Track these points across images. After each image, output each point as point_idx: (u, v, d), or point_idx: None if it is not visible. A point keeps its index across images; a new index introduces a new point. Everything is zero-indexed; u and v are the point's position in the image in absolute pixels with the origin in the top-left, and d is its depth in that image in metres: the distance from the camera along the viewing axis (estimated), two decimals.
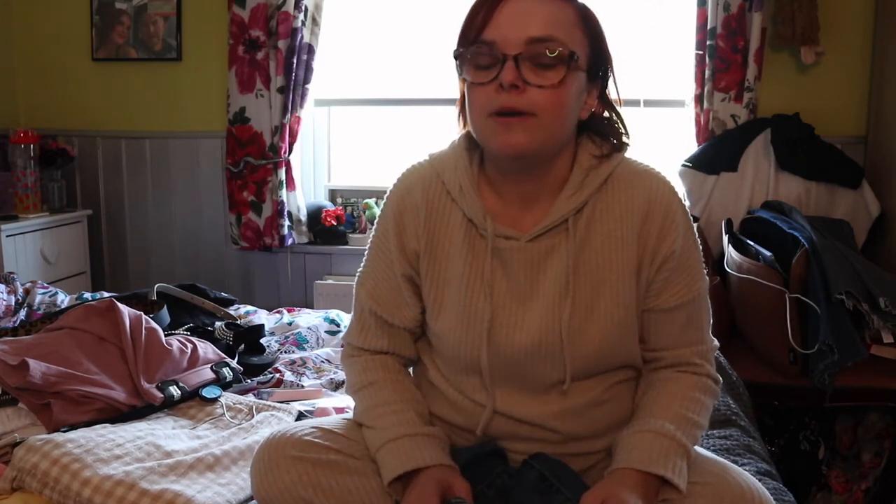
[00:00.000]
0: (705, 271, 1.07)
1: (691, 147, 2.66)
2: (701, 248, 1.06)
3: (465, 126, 1.07)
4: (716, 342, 1.10)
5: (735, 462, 1.23)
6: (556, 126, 0.96)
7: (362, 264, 1.14)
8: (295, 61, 2.83)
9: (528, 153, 0.96)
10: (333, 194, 3.14)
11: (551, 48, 0.93)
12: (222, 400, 1.51)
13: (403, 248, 1.07)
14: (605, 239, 1.01)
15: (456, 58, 0.99)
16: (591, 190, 1.01)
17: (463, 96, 1.03)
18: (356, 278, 1.14)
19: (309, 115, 3.03)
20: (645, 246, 1.01)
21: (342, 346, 1.19)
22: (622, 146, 1.04)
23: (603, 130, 1.04)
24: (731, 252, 2.20)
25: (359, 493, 1.00)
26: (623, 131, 1.05)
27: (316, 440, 1.02)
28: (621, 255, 1.01)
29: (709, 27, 2.57)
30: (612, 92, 1.05)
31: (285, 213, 2.95)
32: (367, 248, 1.14)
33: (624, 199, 1.01)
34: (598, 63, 1.00)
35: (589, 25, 0.99)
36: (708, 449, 1.21)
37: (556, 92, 0.94)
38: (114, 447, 1.20)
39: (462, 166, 1.05)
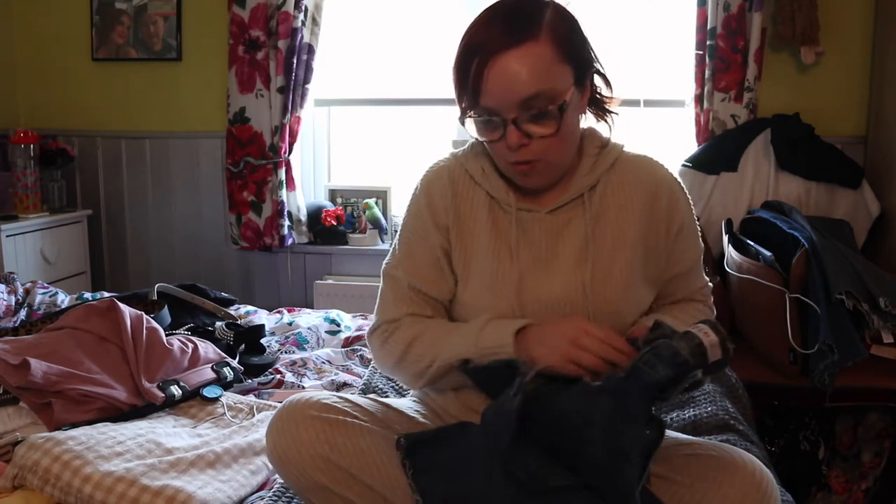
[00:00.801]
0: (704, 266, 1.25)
1: (691, 147, 2.66)
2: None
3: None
4: (710, 283, 1.29)
5: None
6: (566, 156, 1.11)
7: (389, 257, 1.21)
8: (295, 61, 2.83)
9: (548, 186, 1.13)
10: (333, 194, 3.14)
11: (541, 106, 1.01)
12: (223, 399, 1.51)
13: (437, 222, 1.15)
14: (617, 212, 1.14)
15: (463, 114, 1.08)
16: (603, 169, 1.14)
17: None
18: (384, 269, 1.21)
19: (309, 115, 3.03)
20: (658, 221, 1.15)
21: (369, 335, 1.21)
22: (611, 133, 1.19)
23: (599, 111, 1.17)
24: (731, 252, 2.20)
25: (371, 453, 1.02)
26: (610, 116, 1.17)
27: (335, 404, 1.06)
28: (633, 227, 1.13)
29: (709, 27, 2.57)
30: (601, 87, 1.14)
31: (285, 213, 2.95)
32: (394, 242, 1.22)
33: (632, 178, 1.15)
34: (584, 71, 1.07)
35: (565, 45, 1.03)
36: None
37: (557, 137, 1.04)
38: (115, 444, 1.20)
39: (483, 152, 1.16)
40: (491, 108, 1.02)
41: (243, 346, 1.85)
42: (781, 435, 2.15)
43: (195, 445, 1.27)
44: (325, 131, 3.19)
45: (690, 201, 1.21)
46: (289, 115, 2.88)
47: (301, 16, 2.81)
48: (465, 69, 1.03)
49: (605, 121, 1.18)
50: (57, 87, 3.23)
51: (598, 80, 1.12)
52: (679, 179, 1.20)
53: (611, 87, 1.14)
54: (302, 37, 2.83)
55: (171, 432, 1.31)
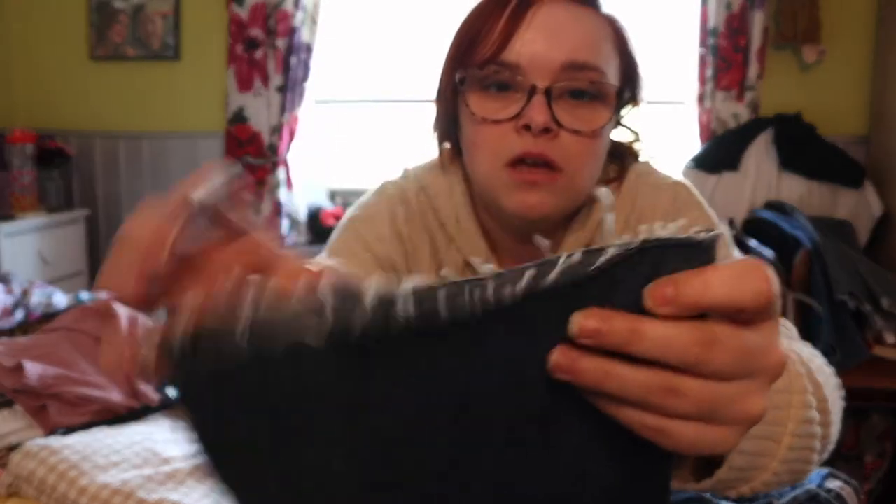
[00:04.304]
0: None
1: (693, 146, 2.65)
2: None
3: (449, 154, 0.84)
4: None
5: None
6: (586, 184, 0.75)
7: None
8: (294, 60, 2.82)
9: (550, 217, 0.74)
10: (333, 194, 3.13)
11: (595, 81, 0.71)
12: None
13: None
14: None
15: (460, 82, 0.73)
16: (597, 220, 0.80)
17: (445, 114, 0.82)
18: None
19: (308, 115, 3.02)
20: None
21: None
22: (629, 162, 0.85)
23: (615, 152, 0.83)
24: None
25: None
26: (637, 148, 0.86)
27: None
28: None
29: (710, 26, 2.56)
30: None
31: (284, 212, 2.94)
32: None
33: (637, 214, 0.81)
34: (627, 87, 0.80)
35: (621, 41, 0.78)
36: None
37: (593, 141, 0.72)
38: (111, 453, 1.19)
39: (459, 193, 0.81)
40: (518, 64, 0.70)
41: None
42: None
43: (193, 454, 1.25)
44: (324, 131, 3.18)
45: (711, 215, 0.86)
46: (287, 114, 2.86)
47: (300, 14, 2.80)
48: (495, 8, 0.72)
49: (622, 151, 0.85)
50: (54, 86, 3.22)
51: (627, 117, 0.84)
52: (689, 186, 0.86)
53: (637, 137, 0.85)
54: (301, 36, 2.82)
55: (167, 438, 1.30)
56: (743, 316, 0.31)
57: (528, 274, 0.31)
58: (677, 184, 0.84)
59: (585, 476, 0.35)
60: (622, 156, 0.84)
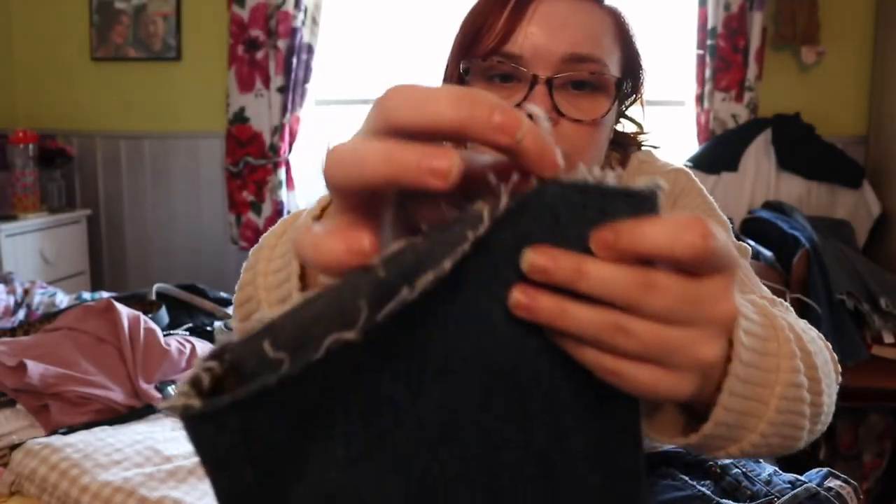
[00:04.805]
0: None
1: (692, 147, 2.65)
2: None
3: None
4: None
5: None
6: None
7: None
8: (294, 61, 2.82)
9: None
10: None
11: (595, 72, 0.73)
12: None
13: None
14: None
15: (465, 73, 0.76)
16: None
17: None
18: None
19: (309, 115, 3.03)
20: None
21: None
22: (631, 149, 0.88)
23: (618, 141, 0.86)
24: None
25: None
26: (640, 133, 0.89)
27: None
28: None
29: (709, 27, 2.57)
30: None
31: (285, 213, 2.95)
32: None
33: None
34: (627, 80, 0.83)
35: (623, 34, 0.79)
36: None
37: (593, 130, 0.74)
38: (112, 452, 1.19)
39: None
40: (520, 56, 0.72)
41: None
42: None
43: (194, 452, 1.26)
44: (325, 132, 3.18)
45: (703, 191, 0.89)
46: (288, 114, 2.87)
47: (301, 15, 2.81)
48: (499, 1, 0.74)
49: (623, 140, 0.88)
50: (56, 87, 3.22)
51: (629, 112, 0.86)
52: (689, 172, 0.89)
53: (639, 129, 0.88)
54: (301, 36, 2.83)
55: (169, 437, 1.30)
56: (683, 266, 0.33)
57: (482, 213, 0.32)
58: (678, 170, 0.86)
59: (563, 436, 0.36)
60: (625, 145, 0.86)
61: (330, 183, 0.33)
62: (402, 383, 0.33)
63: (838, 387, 0.60)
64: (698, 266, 0.33)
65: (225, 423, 0.29)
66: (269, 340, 0.29)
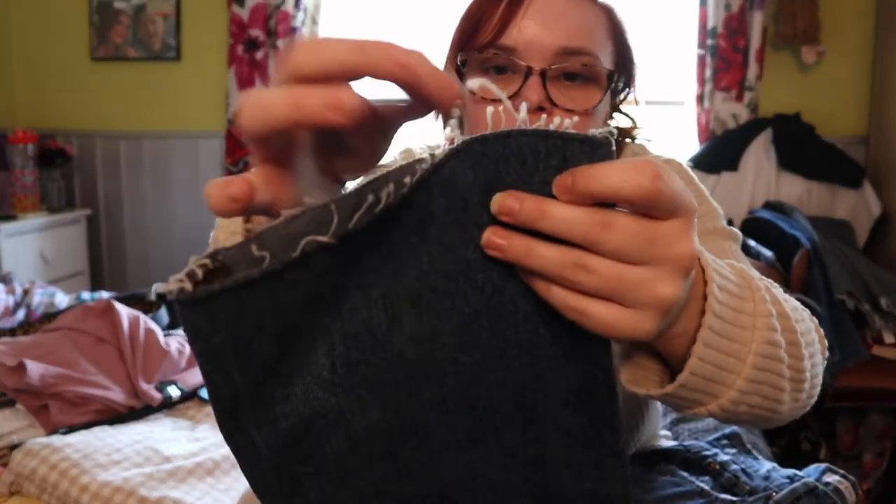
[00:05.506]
0: None
1: (692, 147, 2.65)
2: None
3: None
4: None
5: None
6: None
7: None
8: None
9: None
10: None
11: (588, 64, 0.75)
12: None
13: None
14: None
15: (462, 65, 0.78)
16: None
17: None
18: None
19: None
20: None
21: None
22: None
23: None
24: None
25: None
26: (634, 129, 0.91)
27: None
28: None
29: (710, 26, 2.56)
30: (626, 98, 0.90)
31: None
32: None
33: None
34: (621, 75, 0.85)
35: (616, 30, 0.82)
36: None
37: (586, 121, 0.76)
38: (112, 452, 1.19)
39: None
40: (515, 48, 0.74)
41: None
42: (782, 435, 2.14)
43: (193, 452, 1.26)
44: None
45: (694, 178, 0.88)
46: None
47: (300, 15, 2.81)
48: None
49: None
50: (56, 87, 3.22)
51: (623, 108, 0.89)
52: (681, 162, 0.90)
53: (633, 124, 0.90)
54: (301, 36, 2.83)
55: (169, 437, 1.30)
56: (636, 207, 0.36)
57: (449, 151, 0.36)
58: (670, 160, 0.88)
59: (541, 378, 0.39)
60: (619, 136, 0.89)
61: (243, 130, 0.35)
62: (380, 308, 0.36)
63: (825, 363, 0.60)
64: (651, 207, 0.36)
65: (215, 313, 0.33)
66: (256, 244, 0.33)
